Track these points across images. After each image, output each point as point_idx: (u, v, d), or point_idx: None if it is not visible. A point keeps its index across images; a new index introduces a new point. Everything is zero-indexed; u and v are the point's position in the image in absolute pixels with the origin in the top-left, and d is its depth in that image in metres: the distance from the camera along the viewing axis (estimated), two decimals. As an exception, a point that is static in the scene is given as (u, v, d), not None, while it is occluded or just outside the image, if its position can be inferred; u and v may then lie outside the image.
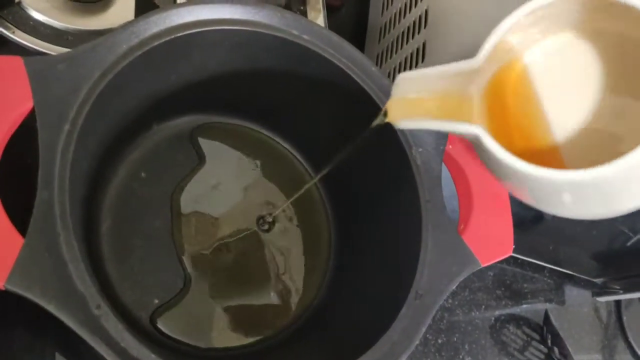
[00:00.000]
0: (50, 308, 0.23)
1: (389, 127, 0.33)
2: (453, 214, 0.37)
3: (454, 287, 0.34)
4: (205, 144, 0.42)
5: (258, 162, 0.44)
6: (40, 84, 0.26)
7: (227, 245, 0.40)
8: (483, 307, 0.57)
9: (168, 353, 0.35)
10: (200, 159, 0.42)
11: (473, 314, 0.56)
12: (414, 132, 0.37)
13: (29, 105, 0.25)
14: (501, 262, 0.61)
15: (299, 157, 0.46)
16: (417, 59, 0.51)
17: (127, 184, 0.38)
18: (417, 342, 0.32)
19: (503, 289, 0.58)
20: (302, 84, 0.39)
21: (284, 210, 0.44)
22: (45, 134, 0.26)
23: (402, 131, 0.37)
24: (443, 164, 0.37)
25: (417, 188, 0.36)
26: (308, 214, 0.45)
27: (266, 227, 0.43)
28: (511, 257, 0.62)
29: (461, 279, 0.35)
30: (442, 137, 0.38)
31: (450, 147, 0.38)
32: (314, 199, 0.46)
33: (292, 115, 0.44)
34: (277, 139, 0.46)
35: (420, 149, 0.37)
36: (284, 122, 0.44)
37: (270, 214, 0.43)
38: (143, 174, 0.39)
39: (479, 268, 0.35)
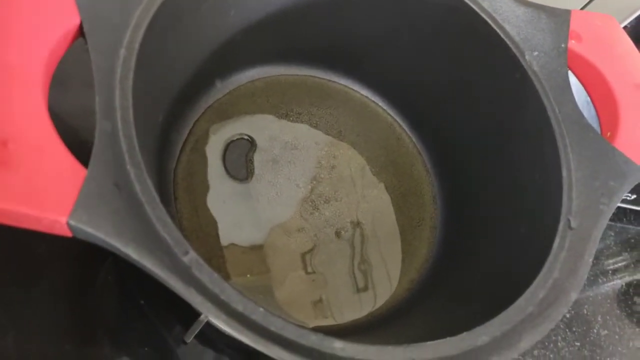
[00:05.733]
0: (129, 251, 0.18)
1: (486, 26, 0.27)
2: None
3: (617, 205, 0.27)
4: (275, 99, 0.37)
5: (334, 113, 0.38)
6: (85, -2, 0.22)
7: (314, 206, 0.35)
8: (609, 272, 0.50)
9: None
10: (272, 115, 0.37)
11: (600, 280, 0.49)
12: (523, 32, 0.30)
13: (75, 21, 0.21)
14: (621, 219, 0.53)
15: (381, 104, 0.40)
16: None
17: (198, 148, 0.33)
18: (586, 275, 0.25)
19: (629, 250, 0.52)
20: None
21: (371, 165, 0.37)
22: (98, 57, 0.21)
23: (506, 31, 0.30)
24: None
25: (540, 100, 0.29)
26: (400, 167, 0.38)
27: (352, 185, 0.37)
28: (632, 212, 0.53)
29: (624, 194, 0.27)
30: (561, 31, 0.31)
31: (573, 42, 0.31)
32: (406, 149, 0.39)
33: (371, 52, 0.37)
34: (353, 87, 0.40)
35: (536, 52, 0.31)
36: (360, 63, 0.39)
37: (359, 170, 0.37)
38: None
39: (644, 176, 0.28)
